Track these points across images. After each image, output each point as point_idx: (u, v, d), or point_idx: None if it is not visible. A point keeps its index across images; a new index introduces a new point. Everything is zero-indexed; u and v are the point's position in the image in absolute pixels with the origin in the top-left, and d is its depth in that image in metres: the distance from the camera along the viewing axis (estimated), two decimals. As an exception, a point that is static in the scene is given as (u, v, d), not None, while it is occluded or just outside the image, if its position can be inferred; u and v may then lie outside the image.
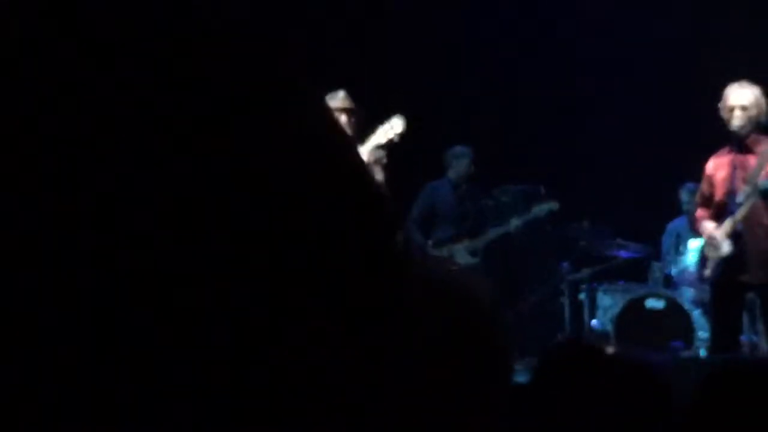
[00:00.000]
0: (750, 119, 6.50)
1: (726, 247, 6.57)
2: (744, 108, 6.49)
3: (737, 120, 6.49)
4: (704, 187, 6.82)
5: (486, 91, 9.97)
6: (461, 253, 9.08)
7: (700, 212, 6.89)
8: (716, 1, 9.60)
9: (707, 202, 6.79)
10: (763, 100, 6.51)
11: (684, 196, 8.61)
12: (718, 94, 6.64)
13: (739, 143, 6.57)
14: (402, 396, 1.30)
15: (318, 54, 9.43)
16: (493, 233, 9.14)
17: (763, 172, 6.51)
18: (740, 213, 6.54)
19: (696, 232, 7.13)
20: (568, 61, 9.99)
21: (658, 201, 8.30)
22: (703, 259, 6.83)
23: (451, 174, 9.18)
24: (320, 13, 9.81)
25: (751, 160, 6.56)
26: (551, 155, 9.80)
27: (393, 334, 0.63)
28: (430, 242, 9.10)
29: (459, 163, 9.13)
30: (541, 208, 9.05)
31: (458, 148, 9.15)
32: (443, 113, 9.45)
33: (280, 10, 9.73)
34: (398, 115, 6.68)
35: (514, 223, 9.09)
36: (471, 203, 9.22)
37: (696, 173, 6.99)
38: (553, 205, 9.01)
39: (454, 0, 10.26)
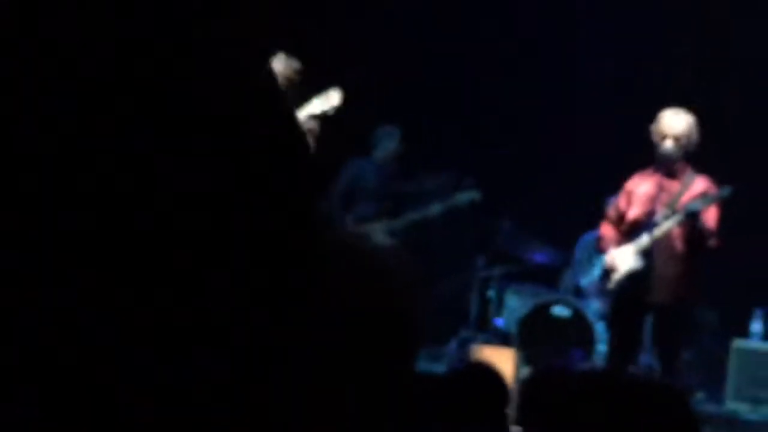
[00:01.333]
0: (681, 148, 6.81)
1: (635, 261, 6.85)
2: (677, 137, 6.77)
3: (669, 147, 6.77)
4: (621, 202, 7.08)
5: (427, 78, 10.08)
6: (379, 233, 9.13)
7: (606, 229, 7.15)
8: (657, 22, 9.84)
9: (619, 217, 7.06)
10: (694, 130, 6.80)
11: None
12: (652, 113, 6.89)
13: (667, 168, 6.86)
14: (312, 366, 1.38)
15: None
16: (412, 216, 9.22)
17: (684, 197, 6.82)
18: (657, 232, 6.82)
19: (600, 249, 7.33)
20: (512, 58, 10.13)
21: (580, 210, 8.50)
22: (606, 272, 7.09)
23: (379, 152, 9.23)
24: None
25: (675, 185, 6.87)
26: (483, 148, 9.94)
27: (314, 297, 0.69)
28: (350, 218, 9.18)
29: (388, 142, 9.19)
30: (462, 196, 9.14)
31: (388, 128, 9.21)
32: (377, 94, 9.53)
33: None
34: (335, 87, 6.75)
35: (435, 208, 9.18)
36: (394, 184, 9.31)
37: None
38: (475, 195, 9.11)
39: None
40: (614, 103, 9.60)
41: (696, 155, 6.91)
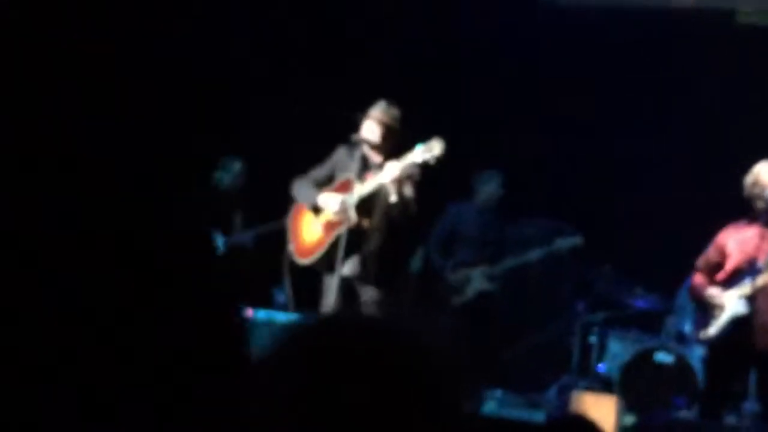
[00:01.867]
0: None
1: (741, 306, 6.91)
2: None
3: None
4: (712, 254, 7.16)
5: (529, 124, 10.17)
6: (479, 278, 9.22)
7: (699, 278, 7.21)
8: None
9: (712, 269, 7.12)
10: None
11: None
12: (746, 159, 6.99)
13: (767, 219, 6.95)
14: None
15: (371, 69, 9.72)
16: (512, 261, 9.32)
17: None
18: (760, 280, 6.88)
19: (693, 297, 7.38)
20: (612, 106, 10.18)
21: (682, 255, 8.52)
22: (701, 320, 7.14)
23: (480, 197, 9.37)
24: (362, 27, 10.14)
25: (774, 235, 6.96)
26: (585, 194, 9.95)
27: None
28: (449, 263, 9.27)
29: (488, 186, 9.31)
30: (563, 242, 9.21)
31: (487, 172, 9.34)
32: (479, 140, 9.64)
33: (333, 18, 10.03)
34: (438, 137, 6.86)
35: (535, 253, 9.27)
36: (494, 229, 9.39)
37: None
38: (577, 241, 9.17)
39: (506, 31, 10.48)
40: (713, 148, 9.60)
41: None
